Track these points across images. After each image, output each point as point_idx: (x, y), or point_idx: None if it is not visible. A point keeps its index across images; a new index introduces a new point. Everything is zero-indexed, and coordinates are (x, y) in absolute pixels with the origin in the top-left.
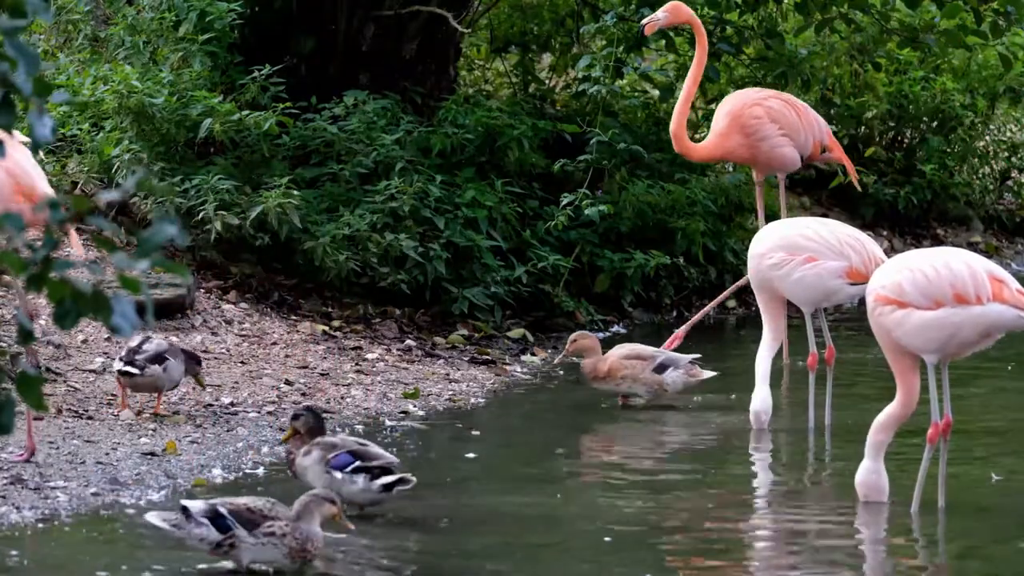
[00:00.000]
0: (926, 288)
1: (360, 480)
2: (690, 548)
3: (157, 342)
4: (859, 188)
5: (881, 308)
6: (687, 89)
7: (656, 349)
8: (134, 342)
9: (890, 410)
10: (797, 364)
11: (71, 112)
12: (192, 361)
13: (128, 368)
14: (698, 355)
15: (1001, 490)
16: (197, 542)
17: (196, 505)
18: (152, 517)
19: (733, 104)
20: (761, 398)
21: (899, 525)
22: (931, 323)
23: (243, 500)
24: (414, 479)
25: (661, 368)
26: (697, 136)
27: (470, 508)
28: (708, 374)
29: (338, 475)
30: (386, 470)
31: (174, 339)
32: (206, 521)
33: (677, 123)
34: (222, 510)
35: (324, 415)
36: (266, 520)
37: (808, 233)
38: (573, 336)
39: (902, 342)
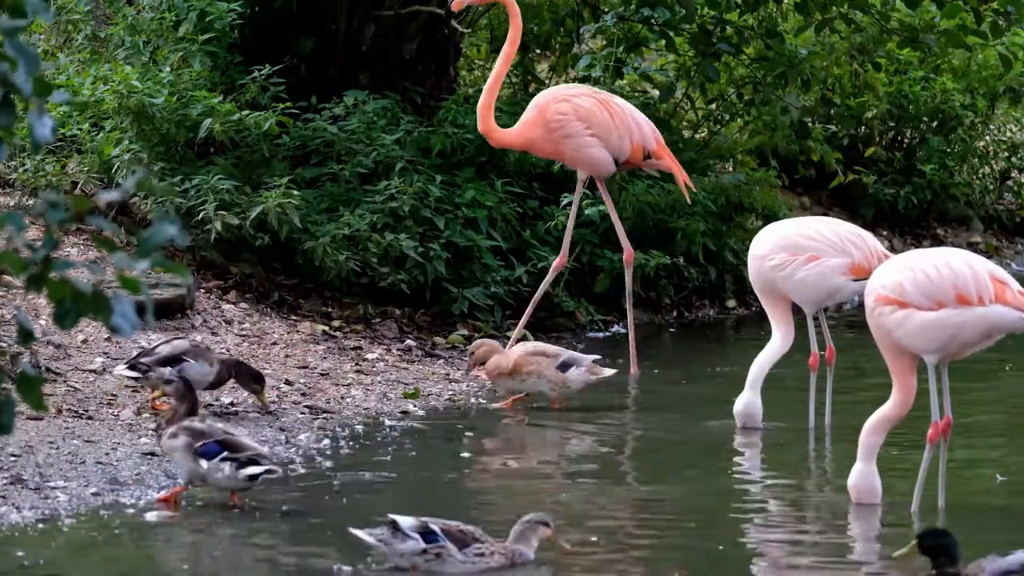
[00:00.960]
0: (928, 288)
1: (226, 468)
2: (689, 548)
3: (173, 344)
4: (688, 200)
5: (881, 308)
6: (497, 69)
7: (559, 348)
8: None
9: (884, 411)
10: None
11: (71, 112)
12: (251, 379)
13: (131, 372)
14: (598, 356)
15: (1008, 491)
16: (398, 557)
17: (406, 521)
18: (358, 532)
19: (543, 97)
20: (745, 402)
21: (900, 525)
22: (933, 324)
23: (454, 522)
24: (279, 470)
25: (564, 366)
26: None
27: (470, 508)
28: (609, 372)
29: (204, 463)
30: (254, 460)
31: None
32: (416, 535)
33: (484, 104)
34: (433, 527)
35: (324, 415)
36: (476, 542)
37: (808, 232)
38: (471, 348)
39: (903, 343)
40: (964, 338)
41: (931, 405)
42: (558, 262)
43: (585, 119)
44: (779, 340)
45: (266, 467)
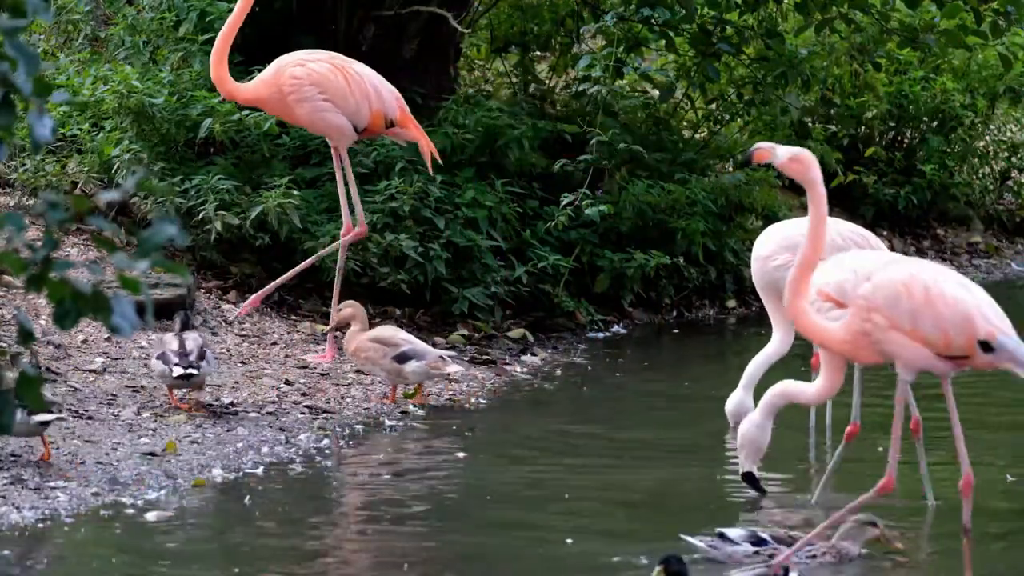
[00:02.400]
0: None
1: (19, 414)
2: (686, 547)
3: (193, 338)
4: (429, 170)
5: (820, 304)
6: (232, 18)
7: (409, 338)
8: (174, 344)
9: (804, 388)
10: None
11: (71, 112)
12: None
13: (188, 371)
14: (452, 351)
15: (1018, 490)
16: (725, 557)
17: (735, 532)
18: (688, 538)
19: (283, 59)
20: (737, 401)
21: (900, 523)
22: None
23: (782, 530)
24: (65, 416)
25: (403, 358)
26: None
27: (469, 507)
28: (454, 368)
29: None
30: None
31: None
32: (746, 544)
33: (218, 51)
34: (763, 535)
35: (324, 415)
36: (805, 545)
37: None
38: (340, 305)
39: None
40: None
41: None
42: (345, 231)
43: (319, 84)
44: (778, 342)
45: (56, 415)
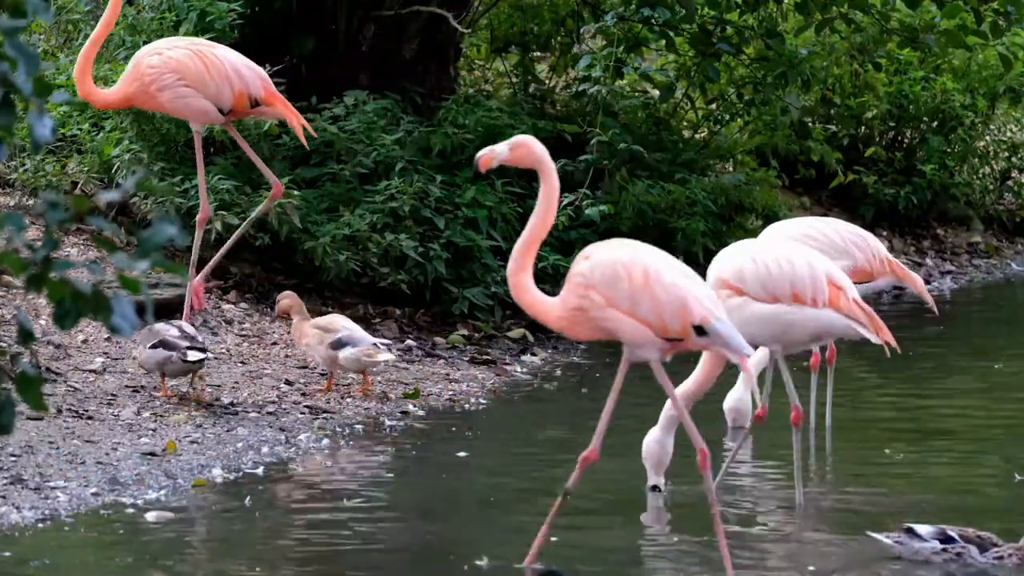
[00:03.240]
0: (767, 281)
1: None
2: (688, 548)
3: (181, 324)
4: (304, 142)
5: (719, 292)
6: (96, 31)
7: (349, 326)
8: (172, 331)
9: (684, 389)
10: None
11: (71, 112)
12: None
13: (205, 353)
14: (385, 340)
15: None
16: (911, 553)
17: (924, 528)
18: (875, 535)
19: (139, 52)
20: (736, 397)
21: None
22: (767, 316)
23: (971, 529)
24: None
25: (338, 344)
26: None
27: (468, 507)
28: (386, 356)
29: None
30: None
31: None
32: (934, 541)
33: (80, 68)
34: (952, 533)
35: (324, 415)
36: (994, 547)
37: (812, 232)
38: (280, 296)
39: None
40: (794, 335)
41: (788, 393)
42: (202, 216)
43: (177, 71)
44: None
45: None
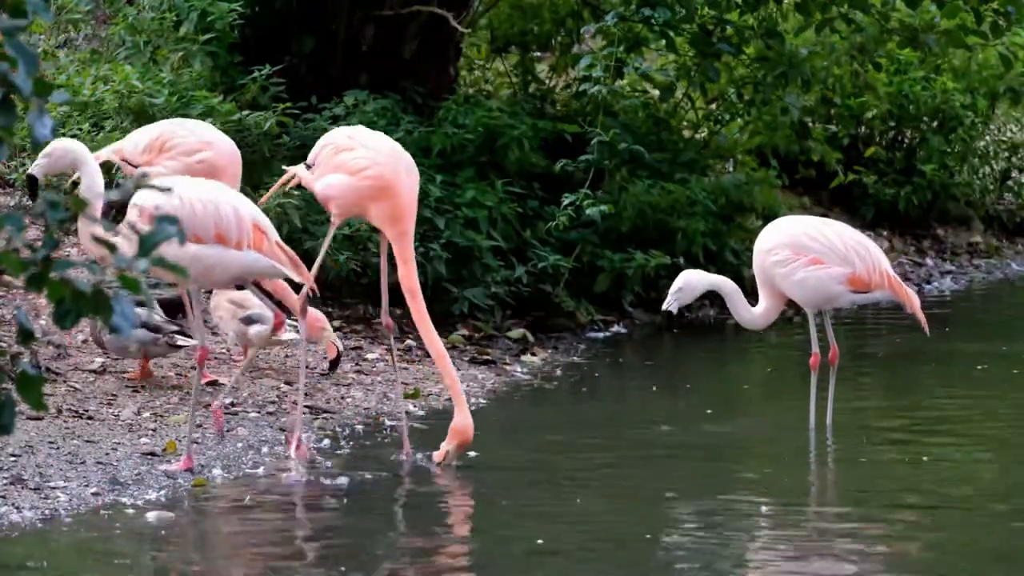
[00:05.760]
0: (190, 220)
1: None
2: (688, 548)
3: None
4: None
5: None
6: None
7: (261, 304)
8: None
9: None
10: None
11: (71, 112)
12: None
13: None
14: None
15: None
16: None
17: None
18: None
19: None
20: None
21: (899, 522)
22: (189, 256)
23: None
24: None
25: (249, 320)
26: (698, 136)
27: (467, 508)
28: (291, 336)
29: None
30: None
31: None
32: None
33: None
34: None
35: (324, 415)
36: None
37: (815, 235)
38: None
39: None
40: (218, 275)
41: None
42: None
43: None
44: (753, 314)
45: None
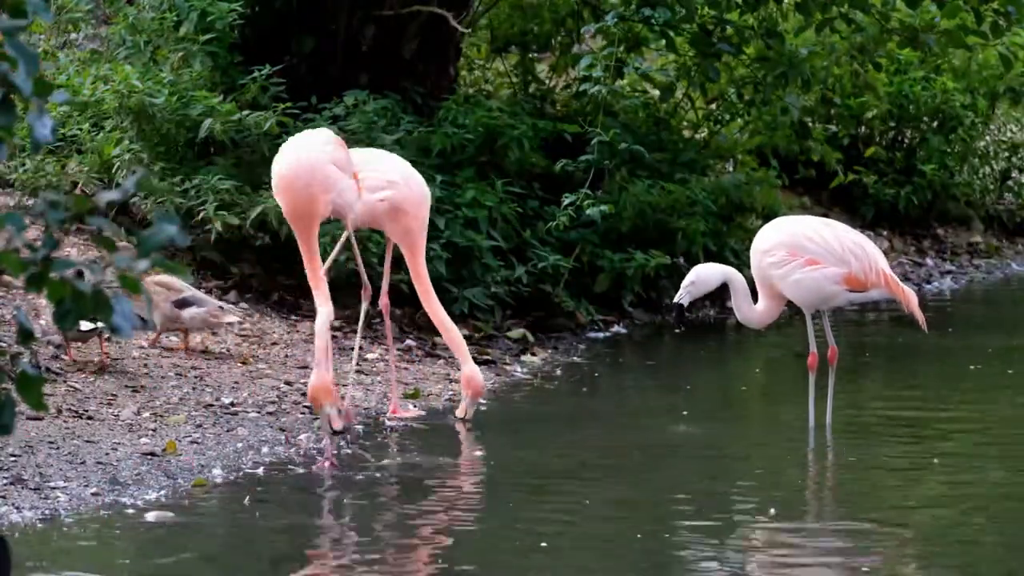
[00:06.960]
0: None
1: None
2: (688, 548)
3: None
4: None
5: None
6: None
7: (194, 291)
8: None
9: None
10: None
11: (71, 112)
12: None
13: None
14: (231, 305)
15: None
16: None
17: None
18: None
19: None
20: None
21: (899, 522)
22: None
23: None
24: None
25: (183, 304)
26: (698, 136)
27: (468, 507)
28: (232, 319)
29: None
30: None
31: None
32: None
33: None
34: None
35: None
36: None
37: (812, 235)
38: None
39: None
40: None
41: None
42: None
43: None
44: (754, 312)
45: None
